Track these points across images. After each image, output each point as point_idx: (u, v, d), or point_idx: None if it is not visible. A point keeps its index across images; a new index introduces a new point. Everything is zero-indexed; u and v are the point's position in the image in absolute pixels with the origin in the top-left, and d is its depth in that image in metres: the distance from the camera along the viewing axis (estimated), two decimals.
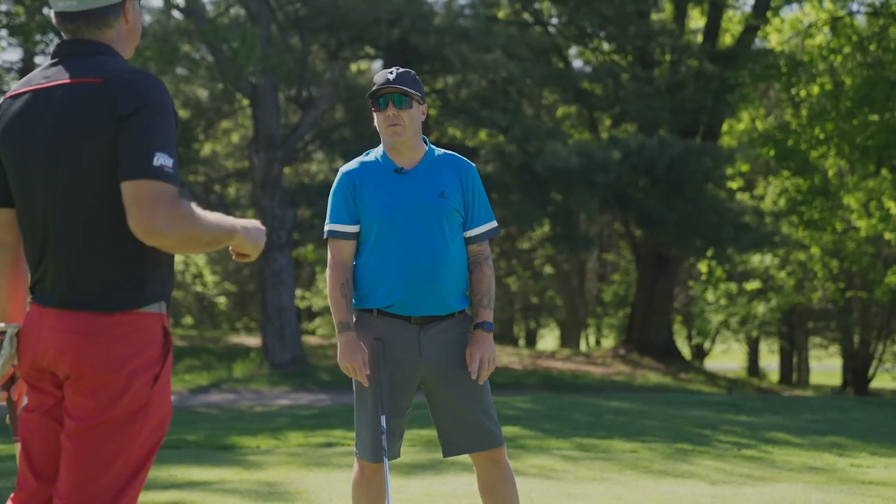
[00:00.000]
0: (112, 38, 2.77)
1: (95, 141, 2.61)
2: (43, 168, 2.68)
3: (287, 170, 23.83)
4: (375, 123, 4.13)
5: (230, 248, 2.83)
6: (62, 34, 2.79)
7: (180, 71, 20.70)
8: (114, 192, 2.62)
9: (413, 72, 4.15)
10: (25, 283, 2.85)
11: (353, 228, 4.11)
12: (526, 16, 25.32)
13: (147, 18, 20.42)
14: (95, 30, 2.74)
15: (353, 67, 26.16)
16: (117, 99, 2.60)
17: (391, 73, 4.08)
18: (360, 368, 4.00)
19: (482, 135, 25.17)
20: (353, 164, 4.19)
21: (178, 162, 2.65)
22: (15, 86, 2.81)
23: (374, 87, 4.08)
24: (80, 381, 2.67)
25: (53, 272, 2.70)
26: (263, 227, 2.90)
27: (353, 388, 4.15)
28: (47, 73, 2.74)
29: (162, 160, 2.57)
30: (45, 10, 17.61)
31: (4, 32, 18.49)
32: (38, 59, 23.76)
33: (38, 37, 17.62)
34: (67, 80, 2.68)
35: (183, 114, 27.39)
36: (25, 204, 2.74)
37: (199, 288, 34.44)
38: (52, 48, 20.63)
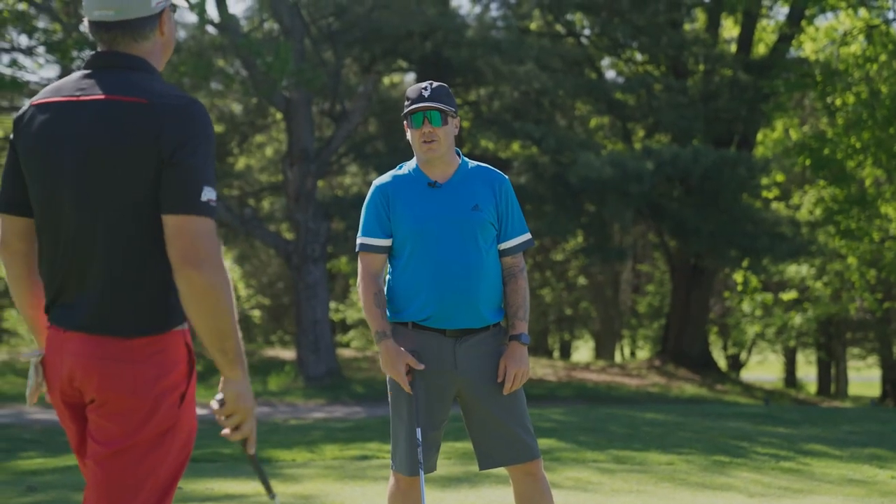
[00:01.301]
0: (147, 51, 2.71)
1: (134, 163, 2.55)
2: (74, 185, 2.60)
3: (321, 183, 23.93)
4: (409, 138, 4.14)
5: (217, 396, 2.66)
6: (97, 45, 2.74)
7: (215, 86, 20.85)
8: (147, 216, 2.57)
9: (447, 85, 4.15)
10: (42, 299, 2.77)
11: (386, 242, 4.11)
12: (558, 27, 25.31)
13: (182, 34, 20.61)
14: (132, 41, 2.69)
15: (386, 80, 26.25)
16: (164, 125, 2.55)
17: (426, 88, 4.07)
18: (404, 376, 4.01)
19: (515, 146, 25.16)
20: (386, 177, 4.20)
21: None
22: (42, 93, 2.73)
23: (410, 104, 4.07)
24: (105, 406, 2.61)
25: (77, 294, 2.64)
26: (254, 405, 2.70)
27: (389, 400, 4.16)
28: (81, 84, 2.66)
29: (209, 195, 2.55)
30: (82, 27, 17.80)
31: (42, 49, 18.72)
32: None
33: (74, 53, 17.80)
34: (104, 96, 2.61)
35: (218, 128, 27.58)
36: (48, 218, 2.66)
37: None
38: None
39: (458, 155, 4.20)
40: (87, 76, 2.67)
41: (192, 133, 2.56)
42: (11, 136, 2.74)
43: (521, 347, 4.09)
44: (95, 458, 2.64)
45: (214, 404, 2.63)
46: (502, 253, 4.17)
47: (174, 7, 2.80)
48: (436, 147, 4.06)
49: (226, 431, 2.66)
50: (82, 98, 2.63)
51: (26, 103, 2.79)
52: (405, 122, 4.12)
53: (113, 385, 2.59)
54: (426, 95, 4.05)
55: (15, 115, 2.80)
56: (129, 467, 2.61)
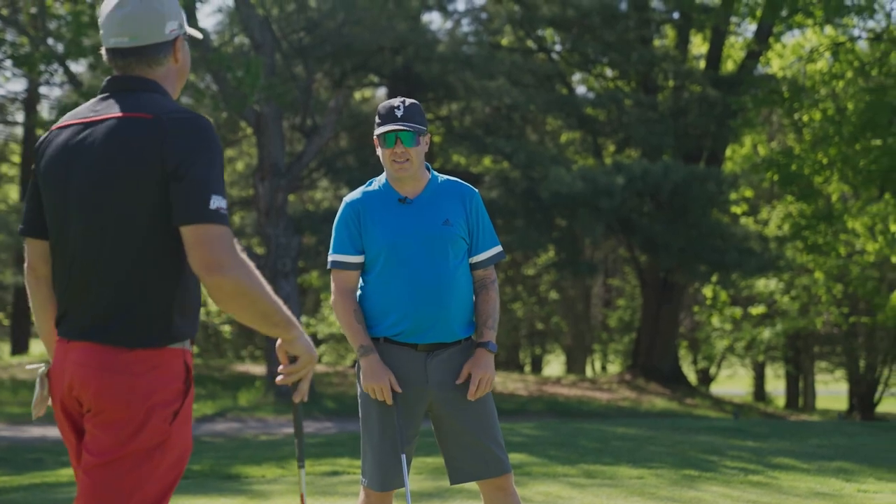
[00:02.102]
0: (161, 76, 2.80)
1: (139, 176, 2.63)
2: (81, 198, 2.69)
3: (292, 197, 23.90)
4: (379, 154, 4.14)
5: (278, 352, 2.84)
6: (112, 71, 2.83)
7: (185, 100, 20.77)
8: (153, 229, 2.64)
9: (418, 102, 4.16)
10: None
11: (357, 259, 4.12)
12: (529, 43, 25.43)
13: None
14: (146, 67, 2.78)
15: (357, 95, 26.27)
16: (166, 138, 2.63)
17: (398, 108, 4.07)
18: (388, 389, 4.00)
19: (486, 161, 25.24)
20: (356, 193, 4.21)
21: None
22: (63, 118, 2.84)
23: (381, 123, 4.07)
24: (99, 416, 2.66)
25: (81, 305, 2.70)
26: (316, 354, 2.90)
27: (360, 416, 4.15)
28: (96, 107, 2.76)
29: (217, 203, 2.61)
30: (50, 41, 17.72)
31: (9, 63, 18.59)
32: (42, 90, 23.91)
33: (42, 67, 17.70)
34: (117, 115, 2.70)
35: None
36: (59, 235, 2.74)
37: (203, 317, 34.43)
38: (56, 78, 20.77)
39: (428, 170, 4.22)
40: (102, 99, 2.78)
41: (196, 145, 2.64)
42: (34, 164, 2.85)
43: (487, 354, 4.10)
44: (86, 467, 2.68)
45: (285, 365, 2.87)
46: (473, 266, 4.19)
47: (188, 36, 2.89)
48: (407, 167, 4.07)
49: (281, 378, 2.88)
50: (95, 118, 2.73)
51: (49, 131, 2.89)
52: (376, 139, 4.13)
53: (108, 395, 2.64)
54: (399, 115, 4.06)
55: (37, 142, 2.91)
56: (116, 479, 2.65)
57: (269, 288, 2.67)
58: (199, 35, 2.90)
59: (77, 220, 2.69)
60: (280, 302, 2.71)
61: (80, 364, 2.67)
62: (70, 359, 2.70)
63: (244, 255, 2.65)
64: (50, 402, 2.81)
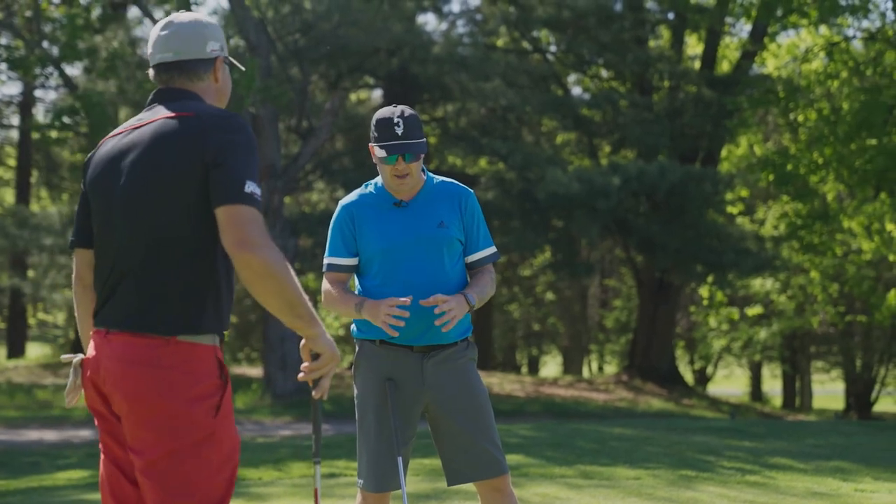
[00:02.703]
0: (202, 90, 3.00)
1: (181, 171, 2.78)
2: (126, 197, 2.82)
3: (288, 199, 23.88)
4: (376, 162, 4.11)
5: (302, 351, 2.96)
6: (158, 85, 3.00)
7: None
8: (192, 224, 2.77)
9: (415, 112, 4.12)
10: None
11: (352, 261, 4.13)
12: (524, 44, 25.44)
13: (147, 50, 20.52)
14: (187, 80, 2.99)
15: (353, 97, 26.27)
16: (207, 133, 2.80)
17: (398, 125, 4.00)
18: (393, 308, 3.90)
19: (482, 162, 25.25)
20: (352, 196, 4.21)
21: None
22: (114, 131, 3.02)
23: (381, 139, 4.01)
24: (135, 415, 2.72)
25: (119, 296, 2.80)
26: (339, 354, 2.97)
27: (357, 417, 4.16)
28: (142, 115, 2.95)
29: (252, 188, 2.77)
30: (45, 44, 17.70)
31: (4, 66, 18.58)
32: (37, 93, 23.91)
33: (37, 70, 17.69)
34: (161, 116, 2.88)
35: None
36: (104, 233, 2.87)
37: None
38: (51, 81, 20.74)
39: (424, 171, 4.22)
40: (148, 109, 2.97)
41: (234, 138, 2.81)
42: (83, 178, 3.00)
43: (461, 297, 4.00)
44: (139, 469, 2.74)
45: (307, 363, 2.95)
46: (469, 266, 4.20)
47: (229, 61, 3.11)
48: (408, 181, 4.07)
49: (302, 375, 2.97)
50: (140, 124, 2.92)
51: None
52: (376, 150, 4.06)
53: (143, 393, 2.71)
54: (399, 133, 4.00)
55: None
56: (171, 474, 2.70)
57: (297, 281, 2.78)
58: (242, 67, 3.10)
59: (121, 216, 2.83)
60: (306, 297, 2.81)
61: (115, 358, 2.75)
62: (105, 353, 2.79)
63: (273, 241, 2.75)
64: (81, 391, 2.89)
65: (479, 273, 4.19)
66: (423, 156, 4.10)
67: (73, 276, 3.03)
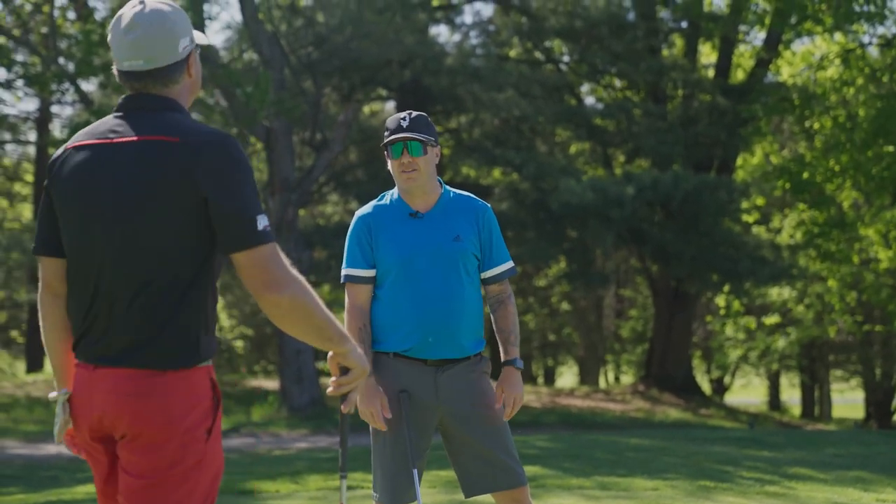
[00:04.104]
0: (177, 93, 2.80)
1: (169, 202, 2.62)
2: (107, 224, 2.66)
3: (302, 212, 23.92)
4: (389, 168, 4.14)
5: (330, 363, 2.87)
6: (126, 89, 2.81)
7: (195, 116, 20.82)
8: (180, 253, 2.64)
9: (426, 114, 4.17)
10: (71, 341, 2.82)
11: (370, 273, 4.11)
12: (537, 54, 25.44)
13: None
14: (162, 86, 2.76)
15: (366, 109, 26.31)
16: (198, 162, 2.62)
17: (404, 119, 4.09)
18: (378, 414, 3.99)
19: (496, 173, 25.23)
20: (367, 207, 4.20)
21: None
22: (76, 136, 2.79)
23: (389, 134, 4.09)
24: (136, 440, 2.66)
25: (107, 330, 2.68)
26: (368, 366, 2.91)
27: (371, 430, 4.14)
28: (114, 127, 2.72)
29: (263, 222, 2.65)
30: (61, 61, 17.79)
31: (21, 83, 18.67)
32: (54, 109, 24.04)
33: (54, 86, 17.78)
34: (137, 138, 2.67)
35: None
36: (80, 257, 2.71)
37: (216, 332, 34.43)
38: (67, 97, 20.88)
39: (440, 184, 4.21)
40: (119, 118, 2.74)
41: (228, 168, 2.64)
42: (46, 181, 2.81)
43: (515, 372, 4.12)
44: (127, 491, 2.68)
45: (336, 378, 2.90)
46: (487, 281, 4.19)
47: (199, 47, 2.88)
48: (415, 176, 4.07)
49: (332, 389, 2.91)
50: (116, 140, 2.69)
51: (61, 148, 2.84)
52: (385, 152, 4.13)
53: (145, 420, 2.64)
54: (405, 126, 4.07)
55: (51, 159, 2.87)
56: (158, 501, 2.66)
57: (321, 302, 2.70)
58: (208, 40, 2.89)
59: (103, 244, 2.67)
60: (332, 316, 2.73)
61: (112, 392, 2.66)
62: (99, 387, 2.69)
63: (296, 271, 2.68)
64: (70, 425, 2.80)
65: (501, 306, 4.18)
66: (433, 155, 4.10)
67: (41, 283, 2.84)
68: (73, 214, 2.71)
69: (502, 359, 4.16)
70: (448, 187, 4.24)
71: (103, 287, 2.68)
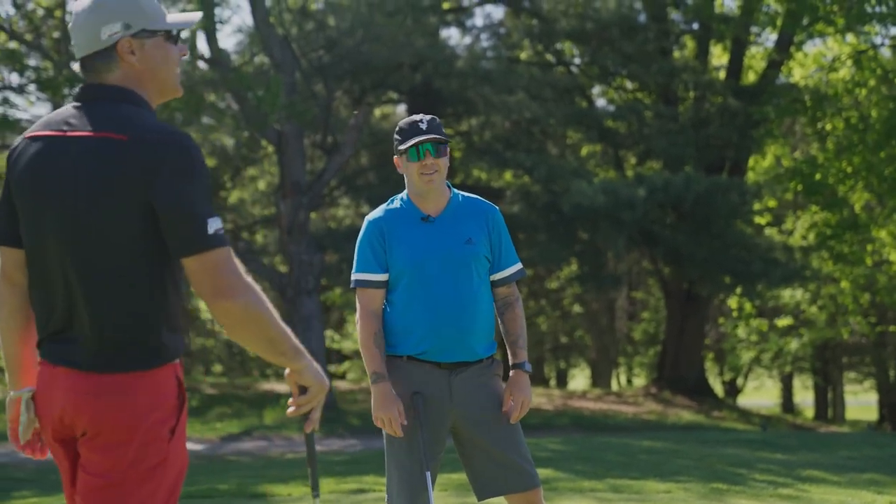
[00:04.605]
0: (124, 79, 2.67)
1: (121, 201, 2.53)
2: (60, 222, 2.59)
3: (313, 215, 23.94)
4: (402, 171, 4.13)
5: (288, 381, 2.75)
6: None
7: (206, 120, 20.90)
8: (137, 253, 2.56)
9: (437, 118, 4.18)
10: (34, 336, 2.75)
11: (383, 277, 4.11)
12: (548, 56, 25.42)
13: None
14: (97, 75, 2.67)
15: (377, 112, 26.32)
16: (149, 162, 2.52)
17: (422, 121, 4.09)
18: (396, 420, 3.98)
19: (507, 176, 25.22)
20: (378, 212, 4.20)
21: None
22: (34, 126, 2.72)
23: (407, 136, 4.07)
24: (97, 439, 2.59)
25: (68, 331, 2.62)
26: (327, 382, 2.78)
27: (384, 436, 4.13)
28: (69, 118, 2.64)
29: (215, 226, 2.54)
30: (73, 64, 17.86)
31: (33, 87, 18.75)
32: None
33: (66, 90, 17.83)
34: (89, 133, 2.59)
35: (210, 162, 27.56)
36: (38, 253, 2.64)
37: (228, 335, 34.47)
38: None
39: (449, 187, 4.22)
40: (76, 108, 2.66)
41: (179, 168, 2.53)
42: (6, 173, 2.74)
43: (524, 375, 4.12)
44: (85, 490, 2.61)
45: (295, 397, 2.74)
46: (496, 283, 4.19)
47: (151, 33, 2.70)
48: (436, 178, 4.08)
49: (292, 409, 2.76)
50: (69, 134, 2.61)
51: (19, 137, 2.77)
52: (401, 155, 4.11)
53: (106, 418, 2.57)
54: (423, 128, 4.07)
55: (8, 150, 2.82)
56: (118, 501, 2.58)
57: (277, 314, 2.60)
58: (168, 27, 2.71)
59: (57, 244, 2.60)
60: (288, 330, 2.62)
61: (72, 390, 2.59)
62: (59, 385, 2.62)
63: (250, 278, 2.57)
64: (37, 424, 2.73)
65: (509, 308, 4.19)
66: (447, 157, 4.12)
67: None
68: (27, 207, 2.64)
69: (510, 362, 4.16)
70: (456, 190, 4.25)
71: (62, 289, 2.61)
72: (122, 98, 2.65)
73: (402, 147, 4.08)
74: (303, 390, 2.76)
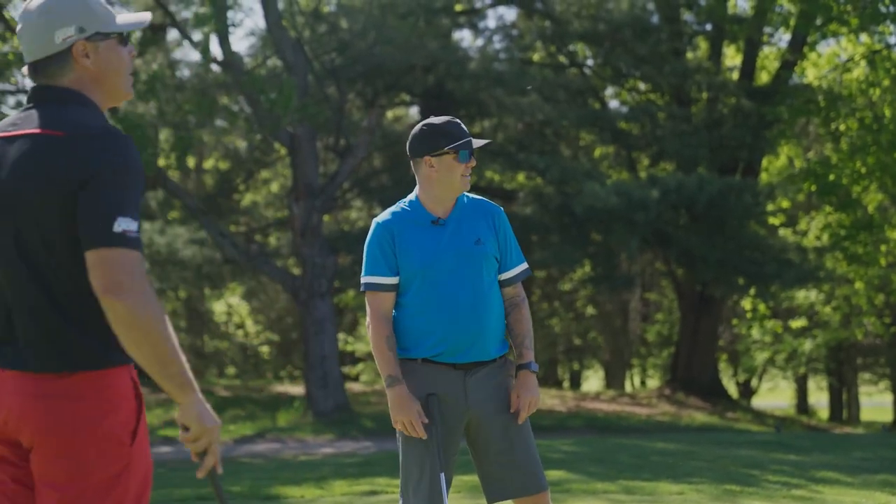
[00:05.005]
0: (76, 83, 2.64)
1: (55, 198, 2.49)
2: (2, 220, 2.55)
3: (326, 218, 23.99)
4: (433, 172, 4.11)
5: (177, 419, 2.57)
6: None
7: (219, 123, 20.96)
8: (75, 253, 2.50)
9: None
10: None
11: (394, 280, 4.10)
12: (561, 58, 25.41)
13: (186, 72, 20.74)
14: (48, 79, 2.64)
15: (390, 114, 26.36)
16: (77, 157, 2.48)
17: (459, 123, 4.14)
18: (417, 421, 3.99)
19: (520, 177, 25.21)
20: (386, 214, 4.20)
21: (141, 225, 2.52)
22: None
23: (455, 139, 4.07)
24: (46, 449, 2.50)
25: (12, 332, 2.55)
26: (217, 422, 2.59)
27: (399, 438, 4.13)
28: (16, 119, 2.63)
29: (124, 225, 2.46)
30: (23, 69, 17.91)
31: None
32: None
33: None
34: (29, 131, 2.57)
35: (223, 165, 27.68)
36: None
37: (241, 338, 34.60)
38: None
39: None
40: (25, 109, 2.64)
41: (105, 163, 2.48)
42: None
43: (531, 376, 4.12)
44: None
45: (181, 434, 2.55)
46: (503, 283, 4.21)
47: (104, 36, 2.67)
48: (470, 179, 4.16)
49: (194, 457, 2.58)
50: (11, 133, 2.60)
51: None
52: (440, 156, 4.07)
53: (53, 426, 2.48)
54: (467, 130, 4.14)
55: None
56: None
57: (172, 335, 2.48)
58: (120, 28, 2.67)
59: (1, 241, 2.56)
60: (183, 359, 2.50)
61: (17, 393, 2.51)
62: (5, 388, 2.53)
63: (150, 287, 2.48)
64: None
65: (515, 308, 4.19)
66: None
67: None
68: None
69: (517, 362, 4.17)
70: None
71: (7, 285, 2.55)
72: (70, 99, 2.62)
73: (451, 146, 4.06)
74: (186, 428, 2.56)
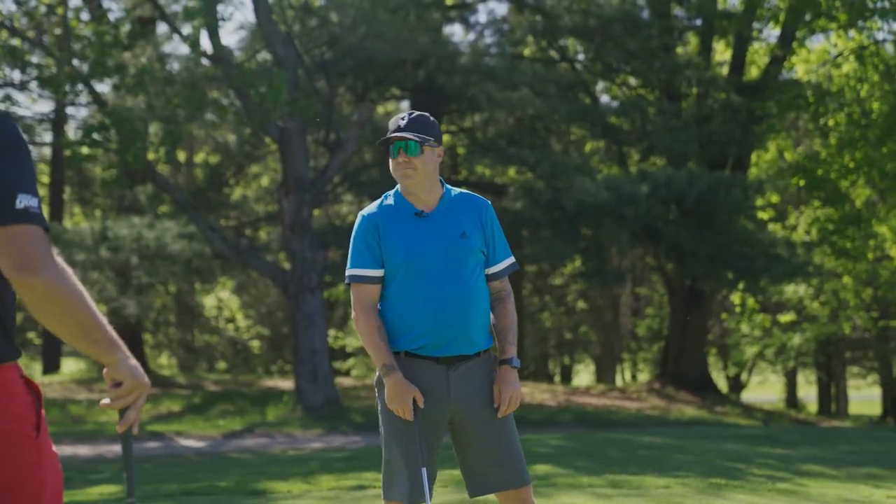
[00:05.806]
0: None
1: None
2: None
3: (316, 212, 23.98)
4: (390, 167, 4.17)
5: (105, 377, 2.55)
6: None
7: (209, 117, 20.93)
8: None
9: (428, 115, 4.18)
10: None
11: (379, 272, 4.12)
12: (552, 53, 25.44)
13: (175, 66, 20.71)
14: None
15: (380, 109, 26.36)
16: None
17: (403, 118, 4.11)
18: (411, 410, 4.01)
19: (511, 172, 25.24)
20: (372, 207, 4.22)
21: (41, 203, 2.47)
22: None
23: (387, 134, 4.11)
24: None
25: None
26: (147, 381, 2.58)
27: (381, 431, 4.15)
28: None
29: (26, 202, 2.41)
30: (75, 62, 17.90)
31: (36, 84, 18.79)
32: (69, 110, 24.19)
33: (67, 87, 17.88)
34: None
35: (212, 159, 27.65)
36: None
37: (232, 332, 34.58)
38: (81, 98, 20.93)
39: (442, 183, 4.24)
40: None
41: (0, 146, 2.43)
42: None
43: (512, 371, 4.12)
44: None
45: (111, 393, 2.54)
46: (489, 277, 4.21)
47: None
48: (412, 174, 4.09)
49: (105, 401, 2.55)
50: None
51: None
52: (387, 152, 4.16)
53: None
54: (402, 125, 4.09)
55: None
56: None
57: (90, 300, 2.45)
58: None
59: None
60: (104, 320, 2.47)
61: None
62: None
63: (61, 260, 2.44)
64: None
65: (500, 303, 4.20)
66: (434, 155, 4.12)
67: None
68: None
69: (499, 357, 4.18)
70: (449, 186, 4.27)
71: None
72: None
73: (380, 142, 4.12)
74: (116, 385, 2.55)
